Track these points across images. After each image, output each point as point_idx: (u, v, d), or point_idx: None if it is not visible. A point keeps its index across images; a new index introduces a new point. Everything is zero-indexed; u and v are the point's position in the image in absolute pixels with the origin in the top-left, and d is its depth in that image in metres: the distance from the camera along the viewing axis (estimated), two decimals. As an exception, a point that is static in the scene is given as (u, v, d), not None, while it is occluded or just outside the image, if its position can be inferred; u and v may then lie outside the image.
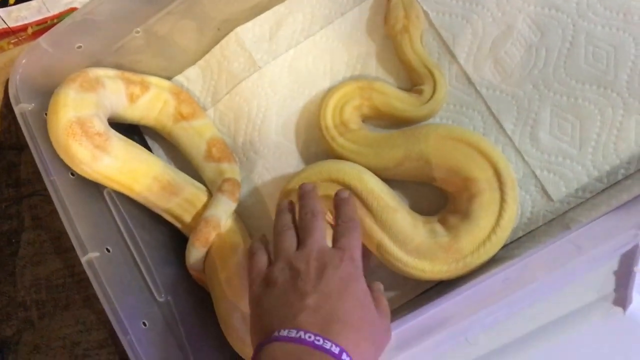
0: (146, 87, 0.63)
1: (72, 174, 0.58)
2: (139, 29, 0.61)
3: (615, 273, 0.62)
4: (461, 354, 0.63)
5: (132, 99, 0.62)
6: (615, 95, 0.59)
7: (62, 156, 0.56)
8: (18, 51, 0.74)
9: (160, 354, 0.54)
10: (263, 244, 0.53)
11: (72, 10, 0.71)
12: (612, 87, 0.60)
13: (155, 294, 0.58)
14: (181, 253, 0.62)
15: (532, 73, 0.62)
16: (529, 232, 0.60)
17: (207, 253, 0.61)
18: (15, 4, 0.69)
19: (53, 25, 0.68)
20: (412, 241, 0.56)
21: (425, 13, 0.65)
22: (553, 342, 0.62)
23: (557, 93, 0.61)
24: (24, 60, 0.58)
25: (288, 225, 0.52)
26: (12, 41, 0.73)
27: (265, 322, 0.46)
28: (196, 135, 0.65)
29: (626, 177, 0.59)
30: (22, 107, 0.58)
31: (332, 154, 0.63)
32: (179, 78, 0.70)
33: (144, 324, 0.54)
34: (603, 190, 0.59)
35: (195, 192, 0.63)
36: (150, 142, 0.70)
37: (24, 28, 0.71)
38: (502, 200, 0.56)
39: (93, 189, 0.59)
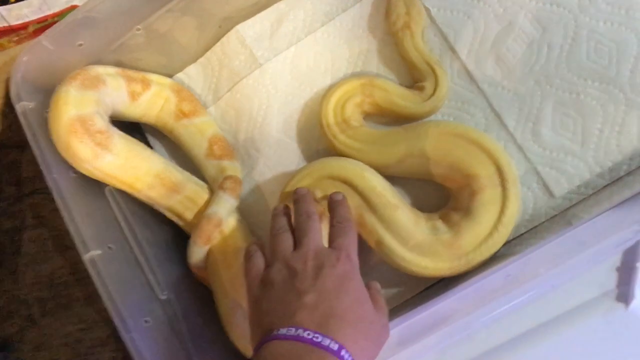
0: (147, 85, 0.63)
1: (74, 172, 0.58)
2: (139, 27, 0.61)
3: (618, 269, 0.62)
4: (464, 351, 0.63)
5: (133, 96, 0.62)
6: (617, 91, 0.59)
7: (64, 154, 0.56)
8: (19, 49, 0.74)
9: (162, 351, 0.54)
10: (259, 248, 0.53)
11: (73, 8, 0.71)
12: (614, 83, 0.59)
13: (157, 292, 0.58)
14: (183, 251, 0.62)
15: (533, 69, 0.62)
16: (531, 229, 0.60)
17: (209, 251, 0.61)
18: (16, 2, 0.69)
19: (54, 23, 0.68)
20: (413, 238, 0.56)
21: (427, 9, 0.65)
22: (555, 338, 0.62)
23: (559, 89, 0.61)
24: (24, 58, 0.58)
25: (284, 228, 0.53)
26: (13, 39, 0.73)
27: (264, 322, 0.46)
28: (197, 132, 0.65)
29: (628, 173, 0.59)
30: (23, 105, 0.58)
31: (334, 151, 0.63)
32: (180, 76, 0.70)
33: (146, 321, 0.54)
34: (605, 187, 0.59)
35: (196, 190, 0.63)
36: (151, 139, 0.70)
37: (24, 26, 0.71)
38: (504, 196, 0.55)
39: (95, 186, 0.59)
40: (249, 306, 0.50)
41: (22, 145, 0.73)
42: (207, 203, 0.62)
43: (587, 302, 0.62)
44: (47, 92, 0.57)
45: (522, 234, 0.60)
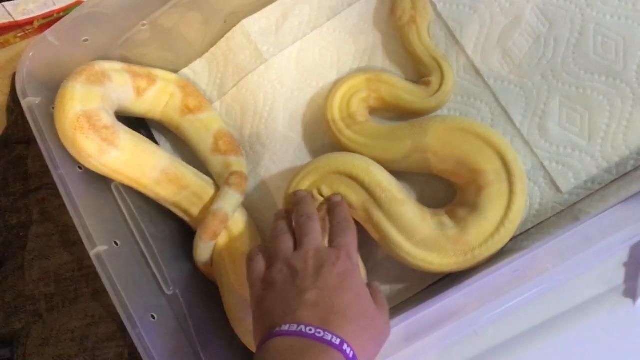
0: (153, 80, 0.63)
1: (80, 168, 0.58)
2: (145, 22, 0.61)
3: (625, 265, 0.62)
4: (470, 347, 0.63)
5: (138, 92, 0.62)
6: (625, 85, 0.59)
7: (70, 150, 0.56)
8: (24, 45, 0.74)
9: (168, 346, 0.54)
10: (260, 250, 0.54)
11: (78, 3, 0.71)
12: (622, 77, 0.59)
13: (164, 287, 0.58)
14: (189, 246, 0.62)
15: (540, 64, 0.61)
16: (538, 224, 0.60)
17: (215, 246, 0.61)
18: (21, -3, 0.69)
19: (59, 18, 0.68)
20: (419, 233, 0.56)
21: (433, 4, 0.64)
22: (562, 334, 0.62)
23: (566, 84, 0.60)
24: (30, 54, 0.58)
25: (284, 230, 0.54)
26: (19, 35, 0.73)
27: (266, 321, 0.47)
28: (203, 128, 0.65)
29: (636, 169, 0.58)
30: (29, 101, 0.58)
31: (340, 147, 0.63)
32: (186, 71, 0.70)
33: (153, 317, 0.55)
34: (612, 182, 0.59)
35: (202, 185, 0.63)
36: (157, 135, 0.70)
37: (30, 22, 0.72)
38: (511, 192, 0.55)
39: (101, 182, 0.59)
40: (252, 306, 0.50)
41: (29, 140, 0.73)
42: (213, 199, 0.62)
43: (594, 298, 0.62)
44: (53, 88, 0.58)
45: (528, 230, 0.60)
